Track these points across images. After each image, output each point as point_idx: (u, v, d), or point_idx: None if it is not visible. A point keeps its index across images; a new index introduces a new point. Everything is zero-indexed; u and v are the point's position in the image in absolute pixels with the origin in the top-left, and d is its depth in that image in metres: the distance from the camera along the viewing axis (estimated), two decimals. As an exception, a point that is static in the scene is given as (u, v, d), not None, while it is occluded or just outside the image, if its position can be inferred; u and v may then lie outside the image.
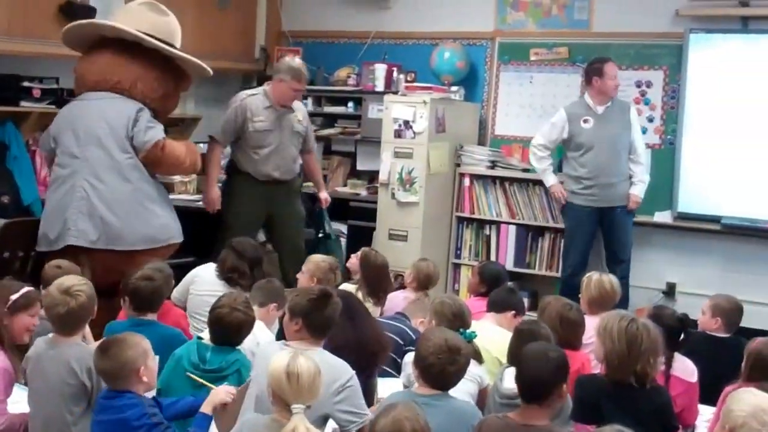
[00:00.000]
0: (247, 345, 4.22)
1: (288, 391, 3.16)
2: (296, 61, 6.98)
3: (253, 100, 6.68)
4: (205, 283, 5.36)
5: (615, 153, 7.00)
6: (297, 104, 6.90)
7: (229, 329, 4.03)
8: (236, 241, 5.52)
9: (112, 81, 5.74)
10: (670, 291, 7.49)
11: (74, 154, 5.65)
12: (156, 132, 5.74)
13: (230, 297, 4.15)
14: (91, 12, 6.76)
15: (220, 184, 6.87)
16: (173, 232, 5.83)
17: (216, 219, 6.68)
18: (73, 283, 3.91)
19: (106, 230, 5.55)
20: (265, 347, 4.00)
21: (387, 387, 4.25)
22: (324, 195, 7.18)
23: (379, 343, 4.15)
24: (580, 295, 5.15)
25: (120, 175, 5.63)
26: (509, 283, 5.33)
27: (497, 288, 5.20)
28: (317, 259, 5.48)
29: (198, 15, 7.90)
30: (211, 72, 6.37)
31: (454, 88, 8.03)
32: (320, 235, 7.27)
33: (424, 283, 5.54)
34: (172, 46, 5.94)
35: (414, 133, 7.49)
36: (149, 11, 5.89)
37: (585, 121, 7.06)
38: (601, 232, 7.22)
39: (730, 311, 4.97)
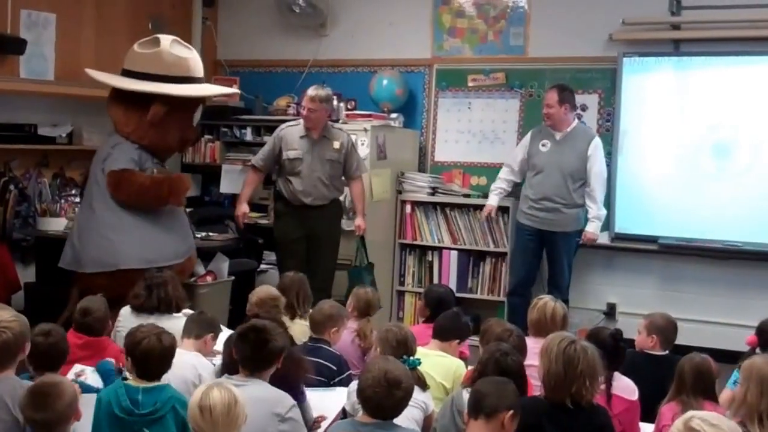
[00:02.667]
0: (190, 377, 4.25)
1: (203, 425, 3.22)
2: (313, 86, 7.19)
3: (290, 130, 7.14)
4: (125, 319, 5.33)
5: (562, 180, 7.08)
6: (338, 132, 7.16)
7: (148, 359, 3.89)
8: (147, 275, 5.53)
9: (113, 121, 6.31)
10: (610, 311, 7.64)
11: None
12: (115, 164, 6.11)
13: (145, 327, 4.03)
14: (21, 44, 6.86)
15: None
16: (121, 257, 6.01)
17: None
18: (1, 318, 3.83)
19: (72, 254, 6.13)
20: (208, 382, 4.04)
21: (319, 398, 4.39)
22: (358, 221, 7.24)
23: (292, 376, 4.18)
24: None
25: (88, 205, 6.23)
26: (455, 308, 5.34)
27: (442, 311, 5.24)
28: (262, 294, 5.44)
29: (132, 42, 7.90)
30: (212, 91, 6.87)
31: (393, 115, 8.13)
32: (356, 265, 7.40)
33: (364, 310, 5.58)
34: (164, 76, 6.17)
35: (356, 161, 7.58)
36: (140, 48, 6.26)
37: (543, 144, 7.18)
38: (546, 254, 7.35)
39: (666, 329, 5.05)
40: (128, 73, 6.24)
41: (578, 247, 7.32)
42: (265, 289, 5.43)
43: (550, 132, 7.20)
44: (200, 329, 4.70)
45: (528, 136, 7.36)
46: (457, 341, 4.92)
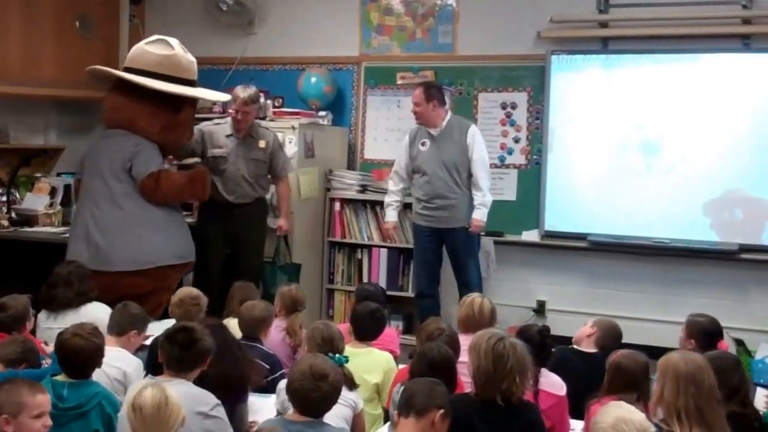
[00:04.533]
0: (113, 375, 4.27)
1: (135, 423, 3.27)
2: (240, 86, 7.17)
3: (216, 128, 7.20)
4: (41, 319, 5.35)
5: (448, 175, 7.05)
6: (264, 132, 7.22)
7: (74, 358, 3.94)
8: (63, 272, 5.52)
9: (118, 119, 6.38)
10: (540, 309, 7.69)
11: (85, 186, 6.40)
12: (150, 165, 6.28)
13: (81, 326, 4.08)
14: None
15: None
16: (158, 256, 6.25)
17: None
18: None
19: (97, 253, 6.11)
20: (136, 381, 4.06)
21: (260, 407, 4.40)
22: (280, 221, 7.26)
23: (243, 376, 4.21)
24: None
25: (113, 203, 6.23)
26: (370, 304, 5.33)
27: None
28: (182, 295, 5.40)
29: (60, 43, 7.85)
30: (221, 97, 7.12)
31: (322, 113, 8.12)
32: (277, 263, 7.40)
33: (291, 307, 5.59)
34: (180, 79, 6.39)
35: (284, 158, 7.57)
36: (154, 49, 6.37)
37: (423, 144, 7.17)
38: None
39: (609, 331, 5.16)
40: (148, 74, 6.32)
41: (479, 239, 7.30)
42: (186, 290, 5.42)
43: (426, 131, 7.19)
44: (122, 325, 4.69)
45: (406, 139, 7.34)
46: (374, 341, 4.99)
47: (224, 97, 7.18)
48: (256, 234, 7.25)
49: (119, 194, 6.24)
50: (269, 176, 7.23)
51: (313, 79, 8.16)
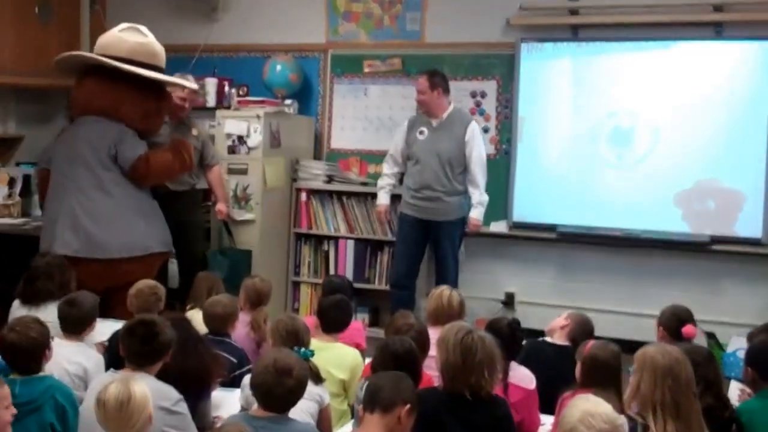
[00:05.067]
0: (73, 371, 4.25)
1: (99, 418, 3.29)
2: (181, 74, 7.19)
3: None
4: (15, 312, 5.25)
5: (441, 167, 7.01)
6: (196, 121, 7.29)
7: (13, 353, 3.94)
8: (43, 262, 5.47)
9: (97, 106, 6.30)
10: (509, 301, 7.67)
11: (65, 175, 6.24)
12: (137, 149, 6.30)
13: (20, 319, 4.07)
14: None
15: None
16: (153, 242, 6.32)
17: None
18: None
19: (88, 241, 6.08)
20: (98, 377, 4.05)
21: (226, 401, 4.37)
22: (219, 206, 7.26)
23: (206, 371, 4.17)
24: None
25: (103, 191, 6.21)
26: (337, 296, 5.29)
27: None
28: (141, 285, 5.32)
29: (19, 29, 7.72)
30: (195, 86, 7.12)
31: (287, 102, 8.05)
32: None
33: (255, 300, 5.53)
34: (153, 66, 6.39)
35: (248, 148, 7.52)
36: (129, 36, 6.36)
37: (421, 132, 7.12)
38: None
39: (582, 324, 5.13)
40: (124, 61, 6.27)
41: (463, 236, 7.27)
42: (143, 281, 5.32)
43: (426, 119, 7.16)
44: (74, 325, 4.64)
45: (405, 124, 7.30)
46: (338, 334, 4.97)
47: (195, 85, 7.19)
48: (196, 221, 7.31)
49: (108, 182, 6.22)
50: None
51: (279, 67, 8.08)
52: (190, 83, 7.05)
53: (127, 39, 6.34)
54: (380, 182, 7.41)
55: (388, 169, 7.38)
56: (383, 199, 7.38)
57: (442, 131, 7.08)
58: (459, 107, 7.32)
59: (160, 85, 6.52)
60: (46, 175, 6.46)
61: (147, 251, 6.25)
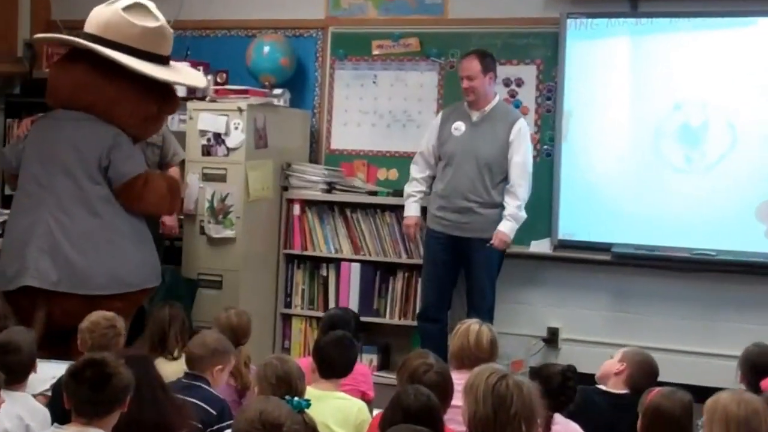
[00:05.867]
0: (11, 428, 4.22)
1: None
2: None
3: None
4: None
5: (477, 172, 7.03)
6: None
7: None
8: None
9: (85, 101, 6.26)
10: (552, 338, 7.66)
11: (40, 183, 6.21)
12: (137, 164, 6.34)
13: None
14: None
15: None
16: (148, 275, 6.35)
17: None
18: None
19: (69, 271, 6.04)
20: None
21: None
22: (164, 218, 7.26)
23: (166, 425, 4.14)
24: None
25: (88, 209, 6.17)
26: (338, 332, 5.29)
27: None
28: (95, 317, 5.26)
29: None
30: (203, 84, 7.20)
31: (277, 92, 8.06)
32: None
33: (232, 340, 5.50)
34: (160, 57, 6.40)
35: (227, 149, 7.53)
36: (136, 19, 6.26)
37: (456, 128, 7.15)
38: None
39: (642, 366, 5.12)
40: (129, 50, 6.23)
41: (503, 259, 7.27)
42: (98, 313, 5.32)
43: (465, 111, 7.19)
44: (15, 374, 4.61)
45: (439, 116, 7.35)
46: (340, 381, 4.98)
47: (204, 82, 7.32)
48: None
49: (96, 198, 6.20)
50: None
51: (266, 49, 8.11)
52: (201, 80, 7.15)
53: (136, 23, 6.26)
54: (408, 189, 7.41)
55: (418, 172, 7.38)
56: (413, 210, 7.38)
57: (482, 128, 7.11)
58: (505, 102, 7.36)
59: (167, 84, 6.51)
60: (12, 176, 6.53)
61: (139, 287, 6.25)
